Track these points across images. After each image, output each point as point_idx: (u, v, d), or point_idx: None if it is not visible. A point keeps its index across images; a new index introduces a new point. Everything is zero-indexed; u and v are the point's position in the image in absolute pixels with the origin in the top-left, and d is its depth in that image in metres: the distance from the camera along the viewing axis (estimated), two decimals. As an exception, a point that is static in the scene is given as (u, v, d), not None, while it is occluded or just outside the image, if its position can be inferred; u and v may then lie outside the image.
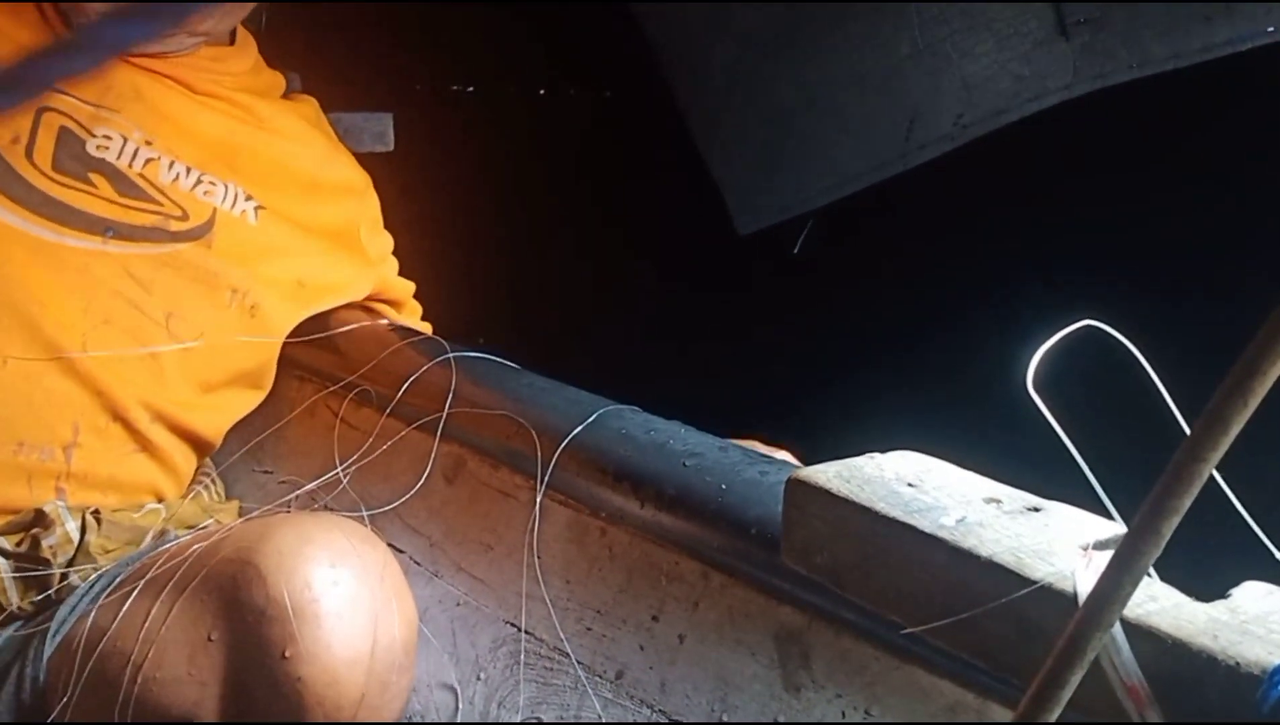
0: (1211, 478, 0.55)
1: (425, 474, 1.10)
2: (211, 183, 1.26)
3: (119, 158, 1.21)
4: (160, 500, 1.22)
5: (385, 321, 1.35)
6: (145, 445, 1.20)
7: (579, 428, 1.02)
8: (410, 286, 1.52)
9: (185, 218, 1.23)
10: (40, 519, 1.09)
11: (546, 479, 1.03)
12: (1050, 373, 0.68)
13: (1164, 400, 0.69)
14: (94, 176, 1.20)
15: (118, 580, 1.02)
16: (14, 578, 1.06)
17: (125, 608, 0.94)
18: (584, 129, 1.84)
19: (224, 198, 1.26)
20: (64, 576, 1.06)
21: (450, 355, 1.12)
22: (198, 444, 1.26)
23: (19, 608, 1.06)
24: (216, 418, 1.27)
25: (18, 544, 1.08)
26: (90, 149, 1.20)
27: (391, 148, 1.60)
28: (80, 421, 1.15)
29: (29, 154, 1.17)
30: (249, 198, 1.28)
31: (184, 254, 1.22)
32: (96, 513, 1.13)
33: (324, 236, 1.36)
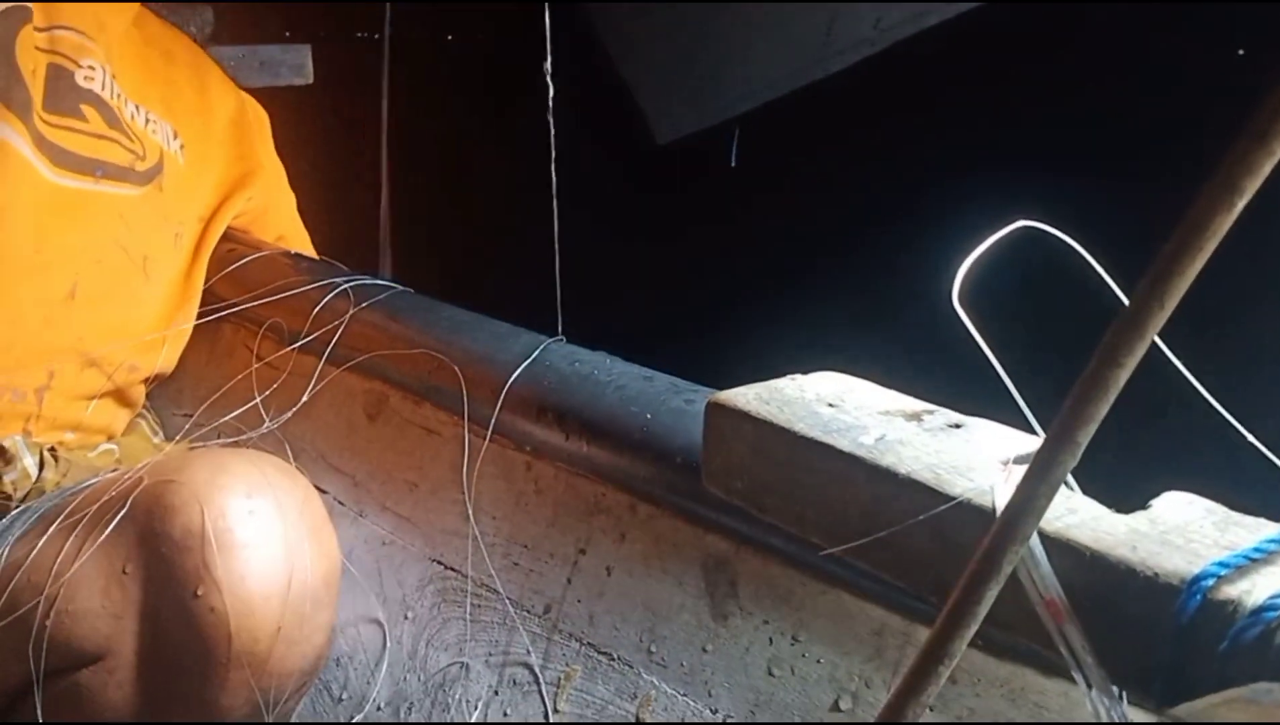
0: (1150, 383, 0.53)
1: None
2: (156, 121, 1.24)
3: (102, 89, 1.19)
4: (112, 437, 1.22)
5: (291, 251, 1.32)
6: (113, 389, 1.19)
7: (519, 370, 0.98)
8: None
9: (144, 157, 1.22)
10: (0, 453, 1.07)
11: (469, 415, 1.00)
12: (983, 282, 0.66)
13: (1103, 305, 0.66)
14: (85, 109, 1.17)
15: (37, 516, 0.99)
16: None
17: (40, 543, 0.92)
18: (499, 68, 1.78)
19: (165, 137, 1.25)
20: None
21: (348, 285, 1.08)
22: (151, 380, 1.26)
23: None
24: (170, 353, 1.26)
25: None
26: (79, 80, 1.17)
27: (310, 80, 1.54)
28: (56, 367, 1.14)
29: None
30: (176, 135, 1.27)
31: (149, 196, 1.21)
32: (54, 450, 1.12)
33: (223, 160, 1.33)
